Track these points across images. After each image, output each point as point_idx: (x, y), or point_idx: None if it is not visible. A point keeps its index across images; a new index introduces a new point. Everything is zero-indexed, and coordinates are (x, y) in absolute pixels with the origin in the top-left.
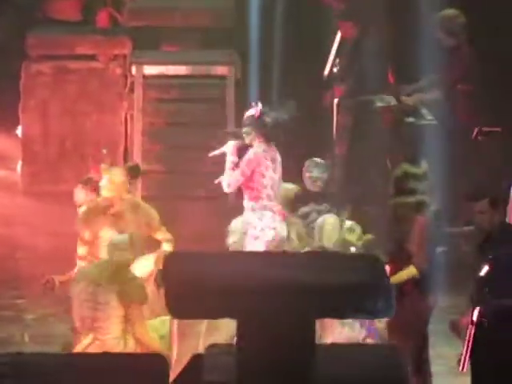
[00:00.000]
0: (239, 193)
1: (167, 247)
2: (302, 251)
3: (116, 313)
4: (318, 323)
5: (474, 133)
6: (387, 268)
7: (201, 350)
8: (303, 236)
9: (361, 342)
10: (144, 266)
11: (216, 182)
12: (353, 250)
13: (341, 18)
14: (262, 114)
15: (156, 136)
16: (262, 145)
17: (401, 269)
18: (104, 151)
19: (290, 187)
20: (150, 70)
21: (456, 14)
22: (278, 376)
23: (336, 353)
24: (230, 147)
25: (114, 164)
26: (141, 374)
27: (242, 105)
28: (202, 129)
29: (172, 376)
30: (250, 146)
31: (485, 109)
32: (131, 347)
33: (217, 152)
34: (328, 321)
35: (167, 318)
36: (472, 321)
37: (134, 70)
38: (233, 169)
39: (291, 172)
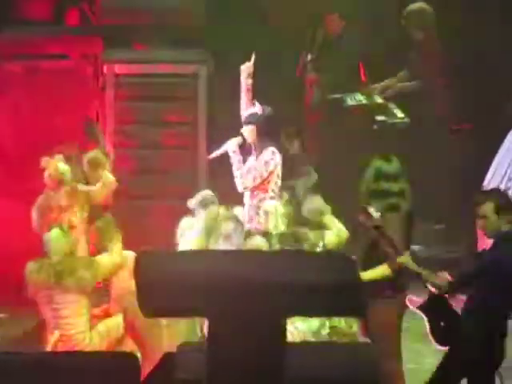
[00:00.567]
0: None
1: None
2: (274, 250)
3: (77, 306)
4: None
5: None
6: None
7: None
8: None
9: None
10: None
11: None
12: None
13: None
14: (264, 111)
15: (128, 134)
16: (272, 145)
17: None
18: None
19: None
20: (122, 68)
21: (424, 8)
22: (248, 374)
23: (308, 351)
24: (232, 145)
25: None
26: (112, 373)
27: (215, 103)
28: (174, 127)
29: None
30: (252, 143)
31: (460, 105)
32: (96, 341)
33: (219, 152)
34: None
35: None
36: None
37: (105, 68)
38: (238, 168)
39: None
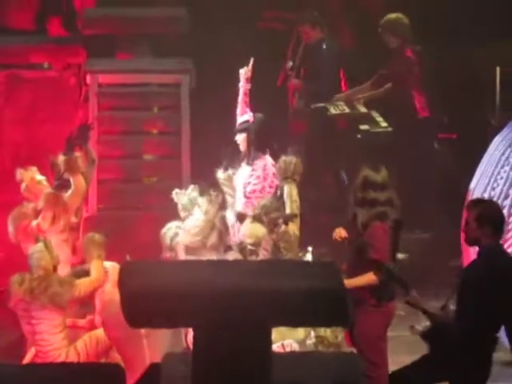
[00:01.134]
0: None
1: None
2: (258, 259)
3: (52, 323)
4: None
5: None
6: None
7: None
8: None
9: None
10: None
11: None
12: (309, 257)
13: (300, 22)
14: (255, 119)
15: (111, 144)
16: (264, 154)
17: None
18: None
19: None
20: (105, 78)
21: (399, 17)
22: None
23: (294, 361)
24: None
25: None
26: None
27: (198, 113)
28: (158, 137)
29: None
30: (246, 152)
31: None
32: (73, 359)
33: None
34: None
35: None
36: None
37: (88, 78)
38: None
39: None
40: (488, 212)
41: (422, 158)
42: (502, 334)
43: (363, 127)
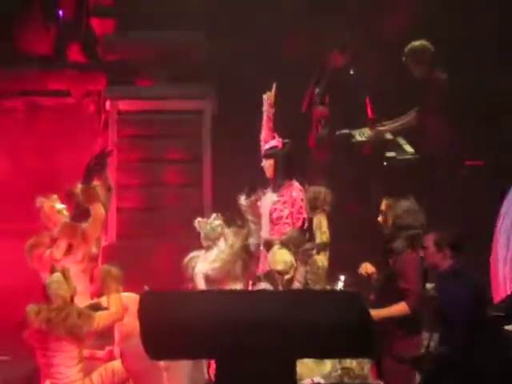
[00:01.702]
0: None
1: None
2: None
3: (68, 356)
4: None
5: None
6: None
7: None
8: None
9: None
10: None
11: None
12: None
13: (329, 46)
14: (284, 144)
15: (131, 172)
16: (293, 181)
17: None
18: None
19: None
20: (125, 105)
21: (424, 45)
22: None
23: None
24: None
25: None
26: None
27: (220, 140)
28: (179, 165)
29: None
30: (273, 178)
31: (468, 142)
32: None
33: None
34: None
35: None
36: None
37: (108, 105)
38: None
39: None
40: (446, 237)
41: (449, 184)
42: None
43: (389, 154)
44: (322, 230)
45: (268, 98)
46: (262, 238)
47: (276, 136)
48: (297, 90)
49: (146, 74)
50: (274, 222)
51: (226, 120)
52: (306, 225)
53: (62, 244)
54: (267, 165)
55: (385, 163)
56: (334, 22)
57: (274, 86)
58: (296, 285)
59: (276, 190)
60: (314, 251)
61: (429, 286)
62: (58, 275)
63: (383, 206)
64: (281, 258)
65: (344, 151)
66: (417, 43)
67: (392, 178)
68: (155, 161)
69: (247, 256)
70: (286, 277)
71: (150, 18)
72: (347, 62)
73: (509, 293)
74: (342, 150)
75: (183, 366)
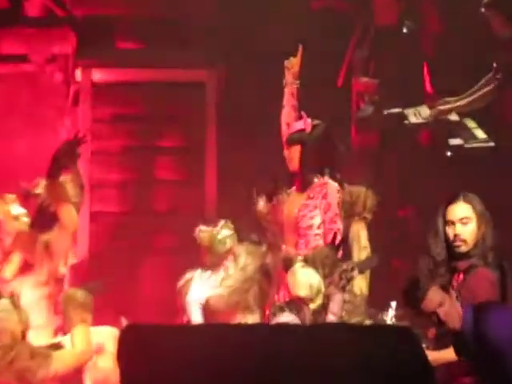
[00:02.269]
0: None
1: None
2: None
3: None
4: None
5: None
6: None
7: None
8: None
9: None
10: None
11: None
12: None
13: None
14: (314, 127)
15: (110, 165)
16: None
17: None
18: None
19: None
20: (102, 74)
21: None
22: None
23: None
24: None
25: None
26: None
27: (228, 122)
28: (174, 155)
29: None
30: (299, 173)
31: None
32: None
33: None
34: None
35: None
36: None
37: (79, 74)
38: None
39: None
40: None
41: None
42: None
43: (454, 141)
44: (361, 244)
45: (291, 65)
46: (284, 254)
47: (304, 116)
48: (330, 55)
49: (129, 34)
50: (300, 233)
51: (236, 95)
52: (340, 237)
53: (15, 259)
54: (292, 154)
55: (448, 153)
56: None
57: (300, 49)
58: (330, 318)
59: (304, 189)
60: (355, 273)
61: None
62: (4, 302)
63: (451, 215)
64: (304, 279)
65: (394, 137)
66: None
67: (459, 174)
68: (142, 149)
69: (265, 280)
70: (312, 306)
71: None
72: (398, 16)
73: None
74: (391, 136)
75: None
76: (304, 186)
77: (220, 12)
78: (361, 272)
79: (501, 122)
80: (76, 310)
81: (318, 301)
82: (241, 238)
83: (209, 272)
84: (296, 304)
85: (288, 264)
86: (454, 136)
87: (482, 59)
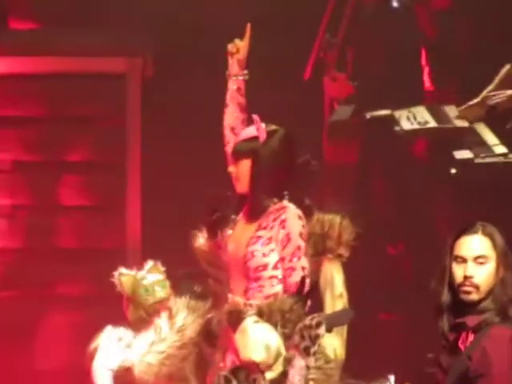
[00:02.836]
0: None
1: None
2: None
3: None
4: None
5: None
6: None
7: None
8: None
9: None
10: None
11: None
12: None
13: None
14: (270, 134)
15: (3, 186)
16: (285, 201)
17: None
18: None
19: None
20: None
21: None
22: None
23: None
24: None
25: None
26: None
27: (156, 122)
28: (86, 171)
29: None
30: (249, 195)
31: None
32: None
33: None
34: None
35: None
36: None
37: None
38: None
39: None
40: None
41: None
42: None
43: (462, 154)
44: (335, 291)
45: (237, 50)
46: (228, 305)
47: (256, 119)
48: (292, 35)
49: (27, 11)
50: (250, 276)
51: (166, 91)
52: (308, 281)
53: None
54: (239, 170)
55: (453, 170)
56: None
57: (248, 27)
58: None
59: (255, 217)
60: (322, 330)
61: None
62: None
63: (463, 250)
64: (258, 339)
65: (380, 148)
66: None
67: (467, 198)
68: (40, 165)
69: (208, 343)
70: (270, 375)
71: None
72: None
73: None
74: (376, 146)
75: None
76: (255, 214)
77: None
78: (329, 330)
79: None
80: None
81: (279, 367)
82: (177, 287)
83: (128, 331)
84: (247, 372)
85: (236, 319)
86: (462, 148)
87: (502, 42)
